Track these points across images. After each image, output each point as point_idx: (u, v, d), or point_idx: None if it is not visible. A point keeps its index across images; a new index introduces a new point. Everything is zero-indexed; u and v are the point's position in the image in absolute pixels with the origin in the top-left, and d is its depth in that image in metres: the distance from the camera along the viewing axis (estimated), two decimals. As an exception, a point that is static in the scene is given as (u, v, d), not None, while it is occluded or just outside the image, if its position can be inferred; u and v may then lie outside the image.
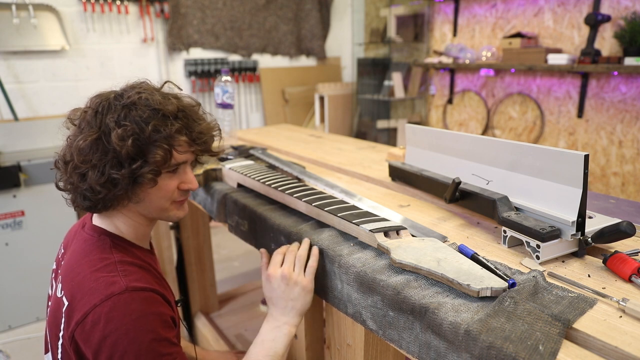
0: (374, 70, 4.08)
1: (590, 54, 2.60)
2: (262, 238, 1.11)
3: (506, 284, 0.66)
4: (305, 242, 0.95)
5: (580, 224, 0.76)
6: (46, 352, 0.92)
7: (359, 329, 0.88)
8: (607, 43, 2.69)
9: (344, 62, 4.59)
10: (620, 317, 0.62)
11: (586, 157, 0.73)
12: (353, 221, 0.89)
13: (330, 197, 1.03)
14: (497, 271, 0.70)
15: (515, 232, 0.81)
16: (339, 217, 0.92)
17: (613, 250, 0.76)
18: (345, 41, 4.49)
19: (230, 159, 1.46)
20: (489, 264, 0.72)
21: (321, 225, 1.00)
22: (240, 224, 1.20)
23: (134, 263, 0.87)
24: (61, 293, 0.85)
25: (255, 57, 4.14)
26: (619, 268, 0.72)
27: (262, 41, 4.13)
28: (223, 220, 1.29)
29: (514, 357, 0.55)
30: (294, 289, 0.92)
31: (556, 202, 0.79)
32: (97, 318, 0.76)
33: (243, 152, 1.57)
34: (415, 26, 3.82)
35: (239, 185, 1.30)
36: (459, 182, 0.96)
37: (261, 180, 1.16)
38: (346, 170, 1.46)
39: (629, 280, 0.70)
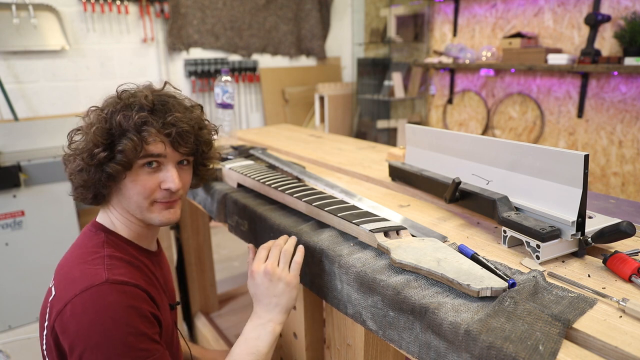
0: (374, 70, 4.08)
1: (590, 54, 2.60)
2: (262, 238, 1.11)
3: (506, 284, 0.66)
4: (292, 239, 0.95)
5: (580, 224, 0.76)
6: (40, 345, 0.93)
7: (359, 329, 0.88)
8: (607, 43, 2.69)
9: (344, 62, 4.59)
10: (620, 317, 0.62)
11: (586, 157, 0.73)
12: (353, 221, 0.89)
13: (330, 197, 1.03)
14: (497, 271, 0.70)
15: (515, 232, 0.81)
16: (339, 217, 0.92)
17: (613, 250, 0.76)
18: (345, 41, 4.49)
19: (230, 159, 1.46)
20: (489, 264, 0.72)
21: (321, 225, 1.00)
22: (240, 224, 1.20)
23: (123, 259, 0.87)
24: (52, 283, 0.87)
25: (255, 57, 4.14)
26: (619, 268, 0.72)
27: (262, 41, 4.13)
28: (223, 220, 1.29)
29: (514, 357, 0.55)
30: (277, 284, 0.90)
31: (556, 202, 0.79)
32: (74, 309, 0.76)
33: (243, 152, 1.57)
34: (415, 26, 3.82)
35: (239, 185, 1.30)
36: (459, 182, 0.96)
37: (261, 180, 1.16)
38: (346, 170, 1.46)
39: (629, 280, 0.70)
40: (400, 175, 1.26)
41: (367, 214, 0.92)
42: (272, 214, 1.09)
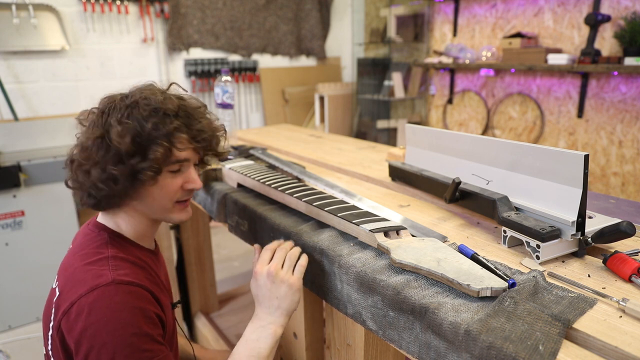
0: (374, 70, 4.08)
1: (590, 54, 2.60)
2: (262, 238, 1.11)
3: (506, 284, 0.66)
4: (298, 248, 0.95)
5: (580, 224, 0.76)
6: (44, 345, 0.93)
7: (359, 329, 0.88)
8: (607, 43, 2.69)
9: (344, 62, 4.59)
10: (620, 317, 0.62)
11: (586, 157, 0.73)
12: (353, 221, 0.89)
13: (330, 197, 1.03)
14: (497, 271, 0.70)
15: (515, 232, 0.81)
16: (339, 217, 0.92)
17: (613, 250, 0.76)
18: (345, 41, 4.49)
19: (230, 159, 1.46)
20: (489, 264, 0.72)
21: (321, 225, 1.00)
22: (240, 224, 1.20)
23: (128, 259, 0.88)
24: (55, 284, 0.87)
25: (255, 57, 4.14)
26: (619, 268, 0.72)
27: (262, 41, 4.13)
28: (223, 220, 1.29)
29: (514, 357, 0.55)
30: (280, 287, 0.90)
31: (556, 202, 0.79)
32: (81, 308, 0.77)
33: (243, 152, 1.57)
34: (415, 26, 3.82)
35: (239, 185, 1.30)
36: (459, 182, 0.96)
37: (261, 180, 1.16)
38: (346, 170, 1.46)
39: (629, 280, 0.70)
40: (400, 175, 1.26)
41: (367, 214, 0.92)
42: (272, 214, 1.09)
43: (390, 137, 3.99)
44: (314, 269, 0.93)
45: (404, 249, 0.78)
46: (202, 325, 2.08)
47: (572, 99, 2.93)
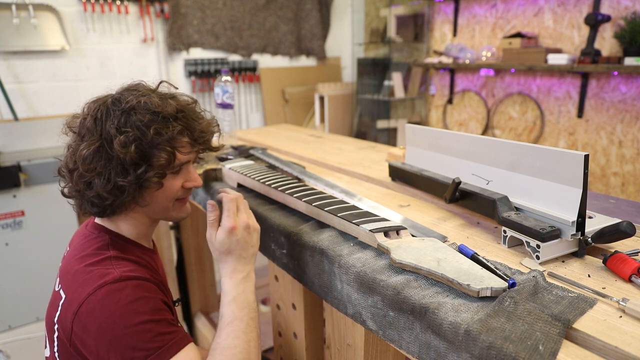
0: (374, 70, 4.08)
1: (590, 54, 2.60)
2: (263, 238, 1.10)
3: (506, 284, 0.66)
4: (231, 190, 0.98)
5: (580, 224, 0.76)
6: (45, 347, 0.93)
7: (359, 329, 0.88)
8: (607, 43, 2.69)
9: (344, 62, 4.59)
10: (620, 317, 0.62)
11: (586, 157, 0.73)
12: (353, 221, 0.89)
13: (330, 197, 1.03)
14: (497, 271, 0.70)
15: (515, 232, 0.81)
16: (339, 217, 0.92)
17: (613, 250, 0.76)
18: (345, 41, 4.49)
19: (230, 159, 1.46)
20: (489, 264, 0.72)
21: (321, 225, 1.00)
22: (240, 224, 1.20)
23: (130, 259, 0.89)
24: (59, 287, 0.87)
25: (255, 57, 4.14)
26: (619, 268, 0.72)
27: (262, 41, 4.13)
28: (223, 220, 1.29)
29: (514, 357, 0.55)
30: (253, 235, 0.93)
31: (556, 202, 0.79)
32: (91, 307, 0.77)
33: (243, 152, 1.57)
34: (415, 26, 3.82)
35: (239, 185, 1.30)
36: (459, 182, 0.96)
37: (261, 180, 1.16)
38: (346, 170, 1.46)
39: (629, 280, 0.70)
40: (400, 175, 1.26)
41: (367, 214, 0.92)
42: (272, 214, 1.09)
43: (390, 137, 3.99)
44: (314, 269, 0.93)
45: (404, 249, 0.78)
46: (202, 325, 2.08)
47: (572, 99, 2.93)
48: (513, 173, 0.89)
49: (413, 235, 0.89)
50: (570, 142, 2.99)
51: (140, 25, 3.51)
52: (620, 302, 0.63)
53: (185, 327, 2.17)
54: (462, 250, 0.79)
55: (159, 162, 0.86)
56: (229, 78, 1.73)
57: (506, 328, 0.59)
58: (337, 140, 1.98)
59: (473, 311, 0.63)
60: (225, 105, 1.76)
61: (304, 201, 1.01)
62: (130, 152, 0.83)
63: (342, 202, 1.00)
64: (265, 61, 4.20)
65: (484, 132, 3.49)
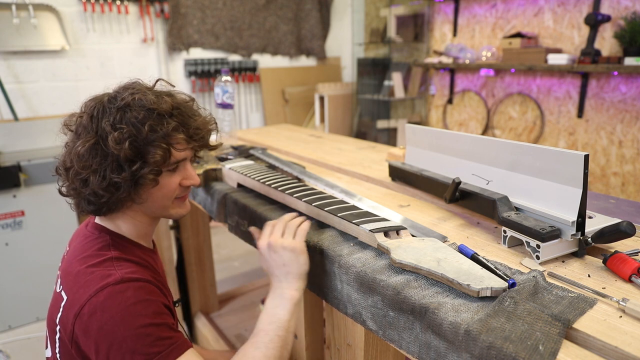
0: (374, 70, 4.08)
1: (590, 54, 2.60)
2: (262, 238, 1.11)
3: (506, 284, 0.66)
4: (301, 217, 0.96)
5: (580, 224, 0.76)
6: (47, 347, 0.93)
7: (359, 329, 0.88)
8: (607, 43, 2.69)
9: (344, 62, 4.59)
10: (620, 317, 0.62)
11: (586, 157, 0.73)
12: (353, 221, 0.89)
13: (330, 197, 1.03)
14: (497, 271, 0.70)
15: (515, 232, 0.81)
16: (339, 217, 0.92)
17: (613, 250, 0.76)
18: (345, 41, 4.49)
19: (230, 159, 1.46)
20: (489, 264, 0.72)
21: (321, 225, 1.00)
22: (240, 224, 1.20)
23: (131, 260, 0.88)
24: (60, 288, 0.87)
25: (255, 57, 4.14)
26: (619, 268, 0.72)
27: (262, 41, 4.13)
28: (223, 220, 1.29)
29: (514, 357, 0.55)
30: (283, 254, 0.90)
31: (556, 202, 0.79)
32: (93, 309, 0.77)
33: (243, 152, 1.57)
34: (415, 26, 3.82)
35: (239, 185, 1.30)
36: (459, 182, 0.96)
37: (261, 180, 1.16)
38: (346, 170, 1.46)
39: (629, 280, 0.70)
40: (400, 175, 1.26)
41: (367, 214, 0.92)
42: (272, 214, 1.09)
43: (390, 137, 3.99)
44: (314, 269, 0.93)
45: (404, 249, 0.78)
46: (202, 325, 2.08)
47: (572, 99, 2.93)
48: (513, 173, 0.89)
49: (413, 235, 0.89)
50: (570, 142, 2.99)
51: (140, 25, 3.51)
52: (620, 302, 0.63)
53: (185, 327, 2.17)
54: (462, 250, 0.79)
55: (154, 158, 0.85)
56: (229, 78, 1.73)
57: (506, 328, 0.59)
58: (337, 140, 1.98)
59: (473, 311, 0.63)
60: (225, 105, 1.76)
61: (304, 201, 1.01)
62: (124, 148, 0.82)
63: (342, 202, 1.00)
64: (265, 61, 4.20)
65: (484, 132, 3.49)
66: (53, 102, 3.21)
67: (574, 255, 0.80)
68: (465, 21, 3.49)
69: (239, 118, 4.15)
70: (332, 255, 0.87)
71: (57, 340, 0.85)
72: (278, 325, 0.87)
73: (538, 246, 0.77)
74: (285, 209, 1.11)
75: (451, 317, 0.63)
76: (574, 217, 0.76)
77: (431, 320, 0.65)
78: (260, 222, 1.10)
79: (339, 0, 4.46)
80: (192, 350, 0.82)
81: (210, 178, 1.38)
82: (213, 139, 1.06)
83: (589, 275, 0.73)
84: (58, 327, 0.84)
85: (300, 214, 1.07)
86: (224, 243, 3.55)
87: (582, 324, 0.60)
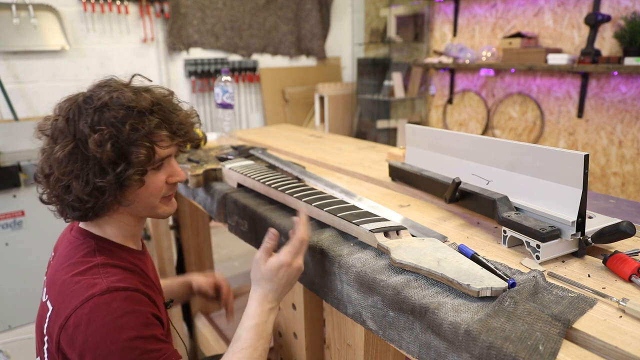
0: (374, 70, 4.08)
1: (590, 54, 2.60)
2: (262, 238, 1.10)
3: (506, 284, 0.66)
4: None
5: (580, 224, 0.76)
6: (37, 356, 0.91)
7: (359, 329, 0.88)
8: (607, 43, 2.69)
9: (344, 62, 4.59)
10: (620, 317, 0.62)
11: (586, 157, 0.73)
12: (353, 221, 0.89)
13: (330, 197, 1.03)
14: (497, 271, 0.70)
15: (515, 232, 0.81)
16: (339, 217, 0.92)
17: (613, 250, 0.76)
18: (345, 41, 4.49)
19: (230, 159, 1.46)
20: (489, 264, 0.72)
21: (321, 225, 1.00)
22: (240, 224, 1.20)
23: (118, 265, 0.85)
24: (46, 297, 0.84)
25: (255, 57, 4.14)
26: (619, 268, 0.72)
27: (262, 41, 4.13)
28: (223, 220, 1.29)
29: (514, 357, 0.55)
30: (297, 276, 0.89)
31: (556, 202, 0.79)
32: (78, 321, 0.75)
33: (243, 152, 1.57)
34: (415, 26, 3.82)
35: (239, 185, 1.30)
36: (459, 182, 0.96)
37: (261, 180, 1.16)
38: (346, 170, 1.46)
39: (629, 280, 0.70)
40: (400, 175, 1.26)
41: (367, 214, 0.92)
42: (272, 214, 1.09)
43: (390, 137, 3.99)
44: (314, 269, 0.93)
45: (404, 249, 0.78)
46: (202, 325, 2.08)
47: (572, 99, 2.93)
48: (513, 173, 0.89)
49: (413, 235, 0.89)
50: (570, 142, 2.99)
51: (140, 25, 3.51)
52: (620, 302, 0.63)
53: (185, 327, 2.17)
54: (462, 250, 0.79)
55: (138, 158, 0.82)
56: (229, 78, 1.73)
57: (506, 328, 0.59)
58: (337, 140, 1.98)
59: (473, 311, 0.63)
60: (225, 105, 1.76)
61: (304, 201, 1.01)
62: (106, 150, 0.79)
63: (342, 202, 1.00)
64: (265, 61, 4.20)
65: (484, 132, 3.49)
66: (53, 102, 3.18)
67: (574, 255, 0.80)
68: (465, 21, 3.49)
69: (239, 118, 4.15)
70: (332, 255, 0.87)
71: (45, 351, 0.82)
72: (266, 340, 0.86)
73: (538, 246, 0.77)
74: (285, 209, 1.11)
75: (451, 317, 0.63)
76: (574, 217, 0.75)
77: (431, 320, 0.65)
78: (260, 222, 1.10)
79: (339, 0, 4.46)
80: None
81: (210, 178, 1.38)
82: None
83: (589, 275, 0.73)
84: (46, 338, 0.81)
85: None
86: (224, 243, 3.55)
87: (582, 324, 0.60)
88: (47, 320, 0.81)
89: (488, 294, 0.66)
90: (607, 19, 2.56)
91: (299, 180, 1.28)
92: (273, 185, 1.12)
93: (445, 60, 3.45)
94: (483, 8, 3.34)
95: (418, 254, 0.76)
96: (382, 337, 0.76)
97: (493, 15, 3.29)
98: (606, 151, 2.82)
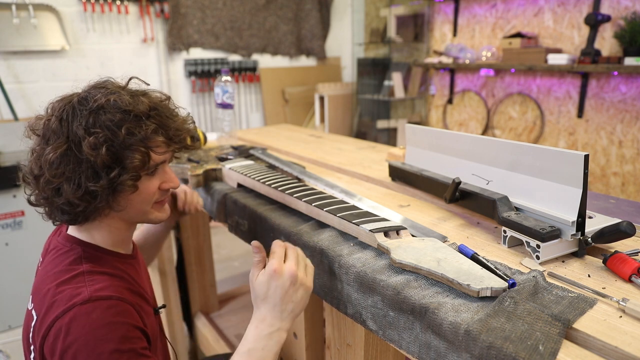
0: (374, 70, 4.08)
1: (590, 54, 2.60)
2: (262, 238, 1.11)
3: (506, 284, 0.66)
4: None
5: (580, 224, 0.76)
6: None
7: (359, 329, 0.88)
8: (607, 43, 2.69)
9: (344, 62, 4.59)
10: (620, 317, 0.62)
11: (586, 157, 0.73)
12: (353, 221, 0.89)
13: (330, 197, 1.03)
14: (497, 271, 0.70)
15: (515, 232, 0.81)
16: (339, 217, 0.92)
17: (613, 250, 0.76)
18: (345, 41, 4.49)
19: (230, 159, 1.46)
20: (489, 264, 0.72)
21: (321, 225, 1.00)
22: (240, 224, 1.20)
23: (105, 272, 0.83)
24: (31, 306, 0.83)
25: (255, 57, 4.14)
26: (619, 268, 0.72)
27: (262, 41, 4.13)
28: (223, 220, 1.29)
29: (514, 357, 0.55)
30: (299, 290, 0.82)
31: (556, 202, 0.79)
32: (58, 330, 0.73)
33: (243, 152, 1.57)
34: (415, 26, 3.82)
35: (239, 185, 1.30)
36: (459, 182, 0.96)
37: (261, 180, 1.16)
38: (346, 170, 1.46)
39: (629, 280, 0.70)
40: (400, 175, 1.26)
41: (367, 214, 0.92)
42: (272, 214, 1.09)
43: (390, 137, 3.99)
44: (314, 269, 0.93)
45: (404, 249, 0.78)
46: (202, 325, 2.08)
47: (572, 99, 2.93)
48: (513, 173, 0.89)
49: (413, 235, 0.89)
50: (570, 142, 2.99)
51: (140, 25, 3.51)
52: (620, 302, 0.63)
53: (185, 327, 2.17)
54: (462, 250, 0.79)
55: (132, 163, 0.80)
56: (229, 78, 1.73)
57: (506, 328, 0.59)
58: (337, 140, 1.98)
59: (473, 311, 0.63)
60: (225, 105, 1.76)
61: (304, 201, 1.01)
62: (101, 154, 0.77)
63: (342, 202, 1.00)
64: (265, 61, 4.20)
65: (484, 132, 3.49)
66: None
67: (574, 255, 0.80)
68: (465, 21, 3.49)
69: (239, 118, 4.15)
70: (332, 255, 0.87)
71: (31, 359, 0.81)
72: None
73: (538, 246, 0.77)
74: (285, 209, 1.11)
75: (451, 317, 0.63)
76: (574, 217, 0.76)
77: (431, 320, 0.65)
78: (260, 222, 1.10)
79: (339, 0, 4.46)
80: None
81: (210, 178, 1.38)
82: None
83: (589, 275, 0.73)
84: (32, 347, 0.80)
85: (301, 214, 1.07)
86: (224, 243, 3.55)
87: (582, 324, 0.60)
88: (31, 329, 0.80)
89: (488, 294, 0.66)
90: (607, 19, 2.56)
91: (299, 180, 1.28)
92: (273, 185, 1.12)
93: (445, 60, 3.45)
94: (483, 8, 3.34)
95: (418, 254, 0.76)
96: (382, 337, 0.76)
97: (493, 15, 3.29)
98: (606, 151, 2.82)
